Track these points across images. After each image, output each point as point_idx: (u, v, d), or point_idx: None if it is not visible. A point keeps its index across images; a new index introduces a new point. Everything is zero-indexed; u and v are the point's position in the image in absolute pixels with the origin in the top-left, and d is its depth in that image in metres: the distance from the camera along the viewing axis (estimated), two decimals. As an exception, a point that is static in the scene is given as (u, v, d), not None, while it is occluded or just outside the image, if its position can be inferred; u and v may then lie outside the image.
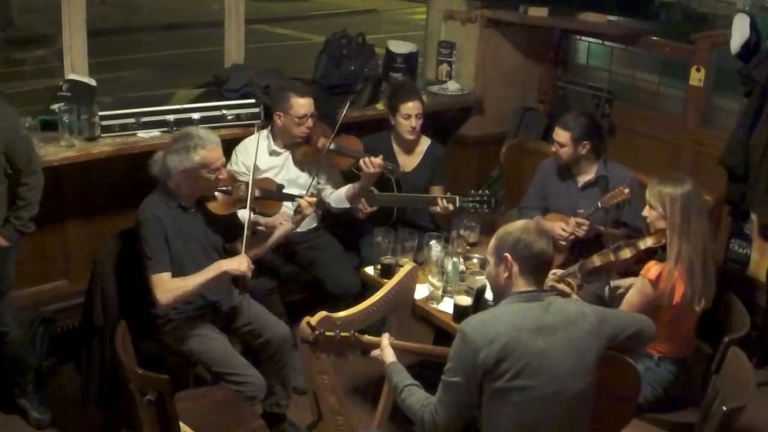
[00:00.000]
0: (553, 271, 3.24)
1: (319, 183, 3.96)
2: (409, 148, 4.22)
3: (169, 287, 3.13)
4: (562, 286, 3.20)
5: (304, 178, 3.95)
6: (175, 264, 3.21)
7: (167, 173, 3.20)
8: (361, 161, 3.87)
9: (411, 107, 4.08)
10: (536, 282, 2.46)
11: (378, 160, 3.85)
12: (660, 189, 3.14)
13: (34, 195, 3.32)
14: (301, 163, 3.97)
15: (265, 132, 3.97)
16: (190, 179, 3.20)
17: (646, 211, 3.22)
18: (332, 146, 3.86)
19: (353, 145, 4.01)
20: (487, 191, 3.89)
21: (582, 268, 3.39)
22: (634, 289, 3.14)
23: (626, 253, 3.30)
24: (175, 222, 3.22)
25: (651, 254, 3.22)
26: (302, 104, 3.82)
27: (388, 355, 2.68)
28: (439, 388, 2.43)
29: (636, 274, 3.21)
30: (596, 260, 3.36)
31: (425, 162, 4.23)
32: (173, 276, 3.18)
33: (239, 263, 3.19)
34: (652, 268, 3.09)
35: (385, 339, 2.72)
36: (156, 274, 3.14)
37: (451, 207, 3.88)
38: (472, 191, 3.89)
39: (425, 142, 4.26)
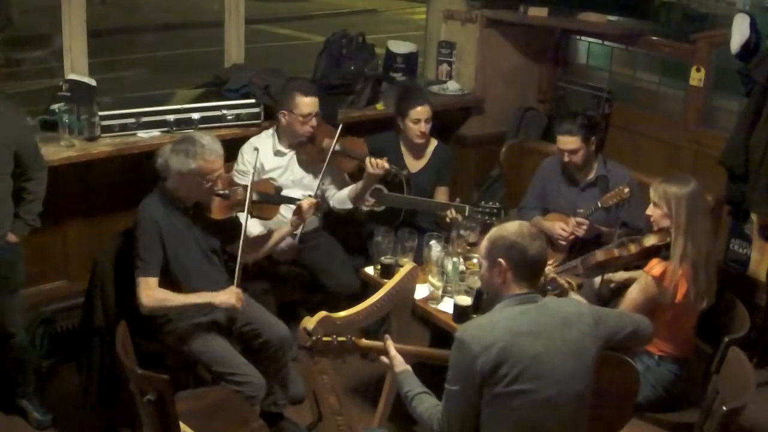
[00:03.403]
0: (552, 262, 3.23)
1: (323, 184, 3.95)
2: (417, 150, 4.19)
3: (153, 294, 3.16)
4: (562, 281, 3.20)
5: (308, 179, 3.94)
6: (176, 266, 3.23)
7: (167, 170, 3.21)
8: (366, 162, 3.86)
9: (420, 112, 4.04)
10: (531, 284, 2.45)
11: (383, 162, 3.84)
12: (666, 188, 3.15)
13: (42, 189, 3.38)
14: (306, 164, 3.96)
15: (270, 131, 3.98)
16: (185, 182, 3.20)
17: (650, 210, 3.21)
18: (337, 147, 3.85)
19: (358, 147, 4.00)
20: (497, 203, 3.80)
21: (585, 262, 3.38)
22: (637, 286, 3.13)
23: (630, 250, 3.29)
24: (173, 224, 3.22)
25: (654, 252, 3.22)
26: (307, 103, 3.81)
27: (398, 364, 2.65)
28: (443, 396, 2.42)
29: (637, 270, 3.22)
30: (599, 255, 3.35)
31: (432, 163, 4.20)
32: (174, 276, 3.22)
33: (228, 297, 3.20)
34: (656, 266, 3.09)
35: (392, 347, 2.68)
36: (143, 276, 3.16)
37: (460, 218, 3.81)
38: (482, 202, 3.83)
39: (432, 144, 4.22)
